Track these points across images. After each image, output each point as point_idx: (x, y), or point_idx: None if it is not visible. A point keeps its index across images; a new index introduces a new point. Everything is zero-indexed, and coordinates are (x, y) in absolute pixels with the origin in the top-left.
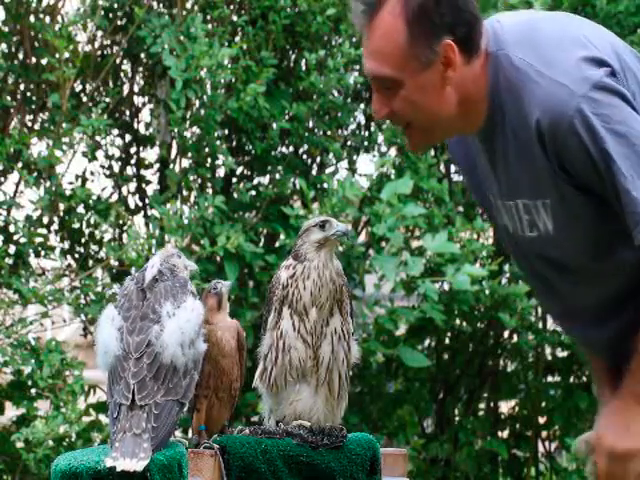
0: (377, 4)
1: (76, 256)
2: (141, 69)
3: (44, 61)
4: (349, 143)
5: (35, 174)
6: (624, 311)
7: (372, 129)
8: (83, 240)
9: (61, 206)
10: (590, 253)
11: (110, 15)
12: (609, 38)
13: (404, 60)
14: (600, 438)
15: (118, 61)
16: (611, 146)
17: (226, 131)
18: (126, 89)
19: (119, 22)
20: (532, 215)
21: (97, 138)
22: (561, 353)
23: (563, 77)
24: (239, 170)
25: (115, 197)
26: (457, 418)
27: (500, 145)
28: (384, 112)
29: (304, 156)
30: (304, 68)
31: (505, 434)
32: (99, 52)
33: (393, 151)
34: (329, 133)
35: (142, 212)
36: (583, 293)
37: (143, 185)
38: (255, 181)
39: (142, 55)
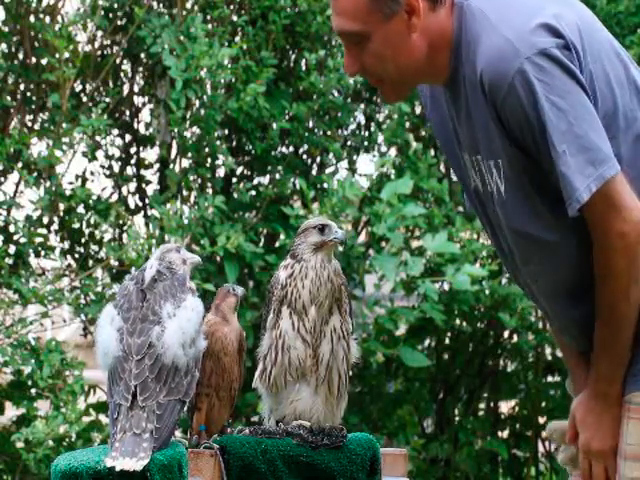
0: None
1: (76, 256)
2: (141, 69)
3: (44, 61)
4: (349, 143)
5: (35, 174)
6: (589, 293)
7: (372, 129)
8: (83, 240)
9: (61, 206)
10: (538, 222)
11: (110, 15)
12: (582, 19)
13: (368, 13)
14: (579, 437)
15: (118, 61)
16: (549, 117)
17: (226, 131)
18: (126, 89)
19: (119, 22)
20: (489, 174)
21: (97, 138)
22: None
23: (513, 34)
24: (239, 170)
25: (115, 197)
26: (457, 418)
27: (463, 97)
28: (355, 68)
29: (304, 156)
30: (304, 68)
31: (505, 434)
32: (99, 52)
33: (393, 151)
34: (329, 133)
35: (142, 212)
36: (544, 270)
37: (143, 185)
38: (255, 181)
39: (142, 55)
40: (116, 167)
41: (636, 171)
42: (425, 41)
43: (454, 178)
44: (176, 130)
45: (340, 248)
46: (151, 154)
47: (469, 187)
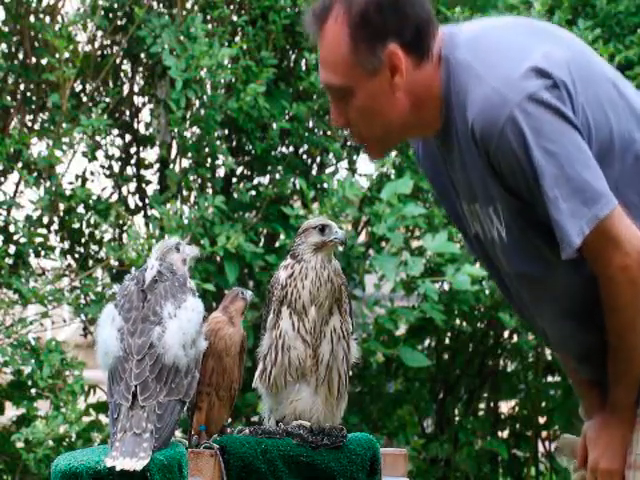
0: (324, 14)
1: (76, 256)
2: (141, 69)
3: (44, 61)
4: (349, 143)
5: (35, 174)
6: (593, 324)
7: None
8: (83, 240)
9: (61, 206)
10: (542, 263)
11: (110, 15)
12: (570, 49)
13: (350, 68)
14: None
15: (118, 61)
16: (540, 163)
17: (226, 131)
18: (126, 89)
19: (119, 22)
20: (489, 221)
21: (97, 138)
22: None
23: (500, 82)
24: (239, 170)
25: (115, 197)
26: (457, 418)
27: (456, 148)
28: (340, 121)
29: (304, 156)
30: (304, 68)
31: (505, 434)
32: (99, 52)
33: (393, 151)
34: (329, 133)
35: (142, 212)
36: (552, 308)
37: (143, 185)
38: (255, 181)
39: (142, 55)
40: (116, 167)
41: (636, 191)
42: (410, 98)
43: None
44: (176, 130)
45: (340, 248)
46: (151, 154)
47: (469, 234)
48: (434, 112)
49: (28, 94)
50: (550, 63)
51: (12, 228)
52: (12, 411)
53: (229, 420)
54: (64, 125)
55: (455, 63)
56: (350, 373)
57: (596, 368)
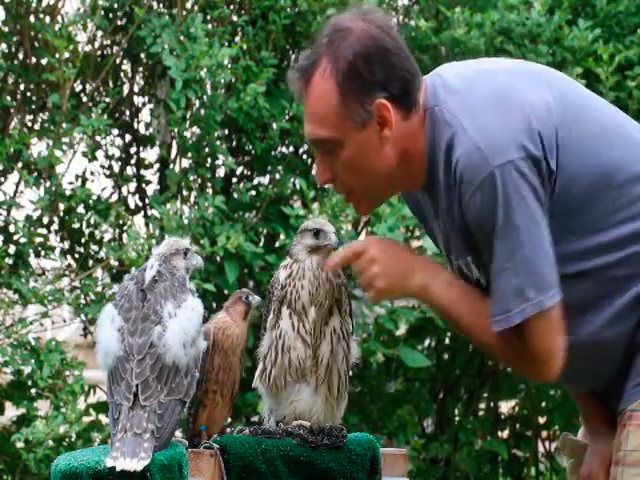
0: (310, 69)
1: (76, 256)
2: (141, 69)
3: (44, 61)
4: None
5: (35, 174)
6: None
7: None
8: (83, 240)
9: (61, 206)
10: None
11: (110, 15)
12: (557, 90)
13: (339, 121)
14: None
15: (118, 61)
16: (502, 230)
17: (226, 131)
18: (126, 89)
19: (119, 22)
20: (469, 269)
21: (97, 138)
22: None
23: (485, 144)
24: (239, 170)
25: (115, 197)
26: (457, 418)
27: (441, 201)
28: (326, 177)
29: (304, 156)
30: None
31: (505, 434)
32: (99, 52)
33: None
34: None
35: (142, 212)
36: None
37: (143, 185)
38: (255, 181)
39: (142, 55)
40: (116, 167)
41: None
42: (398, 151)
43: None
44: (176, 130)
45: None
46: (151, 154)
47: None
48: (420, 165)
49: (28, 94)
50: (533, 127)
51: (12, 228)
52: (12, 411)
53: (229, 420)
54: (64, 125)
55: (440, 116)
56: (350, 373)
57: (589, 384)
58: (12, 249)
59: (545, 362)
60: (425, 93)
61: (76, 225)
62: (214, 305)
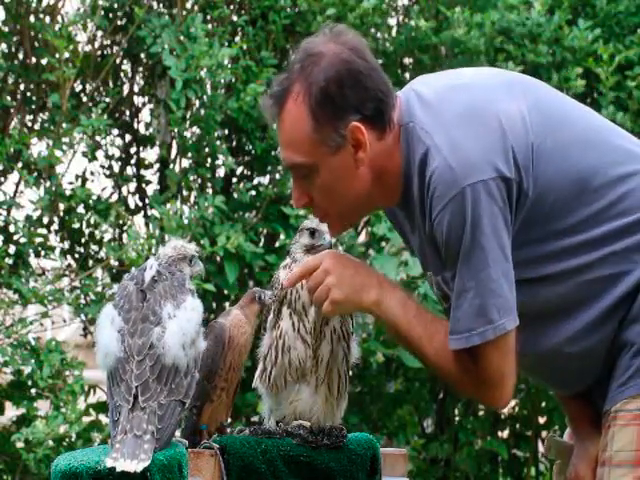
0: (283, 95)
1: (76, 256)
2: (141, 69)
3: (44, 61)
4: None
5: (35, 174)
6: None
7: None
8: (83, 240)
9: (61, 206)
10: None
11: (110, 15)
12: (532, 99)
13: (313, 146)
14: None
15: (118, 61)
16: (467, 249)
17: (226, 131)
18: (126, 89)
19: (119, 22)
20: (448, 287)
21: (97, 138)
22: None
23: (455, 160)
24: (239, 170)
25: (115, 197)
26: (457, 418)
27: (416, 216)
28: (303, 201)
29: None
30: None
31: (505, 434)
32: (99, 52)
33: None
34: None
35: (142, 212)
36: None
37: (143, 185)
38: (255, 181)
39: (142, 55)
40: (116, 167)
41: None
42: (373, 171)
43: None
44: (176, 130)
45: None
46: (151, 154)
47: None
48: (396, 181)
49: (28, 94)
50: (508, 138)
51: (12, 228)
52: (12, 411)
53: (229, 420)
54: (64, 125)
55: (414, 133)
56: (350, 373)
57: (572, 388)
58: (12, 249)
59: (497, 386)
60: (399, 109)
61: (76, 225)
62: (214, 305)
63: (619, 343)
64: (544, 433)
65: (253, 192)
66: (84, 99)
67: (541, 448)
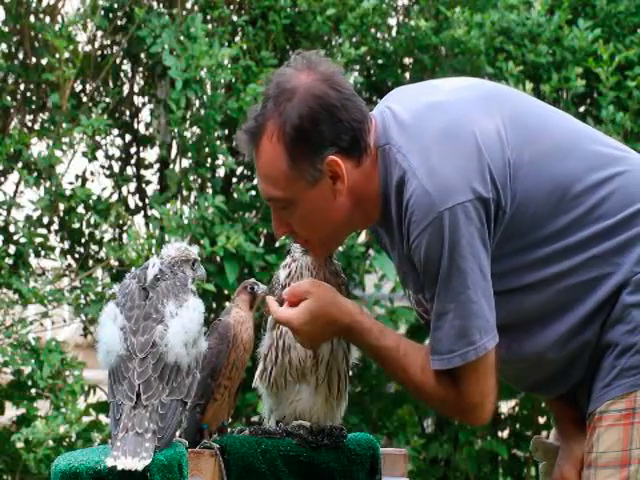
0: (258, 132)
1: (76, 256)
2: (141, 69)
3: (44, 61)
4: None
5: (35, 174)
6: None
7: None
8: (83, 240)
9: (61, 206)
10: None
11: (110, 15)
12: (508, 112)
13: (290, 182)
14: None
15: (118, 61)
16: (445, 273)
17: (226, 131)
18: (126, 89)
19: (119, 22)
20: (417, 305)
21: (97, 138)
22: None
23: (432, 184)
24: (239, 170)
25: (115, 197)
26: None
27: (395, 235)
28: (283, 230)
29: None
30: None
31: (505, 434)
32: (99, 52)
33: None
34: None
35: (142, 212)
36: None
37: (143, 185)
38: (255, 181)
39: (142, 55)
40: (116, 167)
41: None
42: (352, 197)
43: None
44: (176, 130)
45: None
46: (151, 154)
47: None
48: (375, 202)
49: (28, 94)
50: (486, 156)
51: (12, 228)
52: (12, 411)
53: (229, 420)
54: (64, 125)
55: (391, 155)
56: (350, 373)
57: (555, 391)
58: (12, 249)
59: (478, 406)
60: (375, 131)
61: (76, 225)
62: (214, 305)
63: (602, 344)
64: (544, 433)
65: (253, 192)
66: (84, 99)
67: None
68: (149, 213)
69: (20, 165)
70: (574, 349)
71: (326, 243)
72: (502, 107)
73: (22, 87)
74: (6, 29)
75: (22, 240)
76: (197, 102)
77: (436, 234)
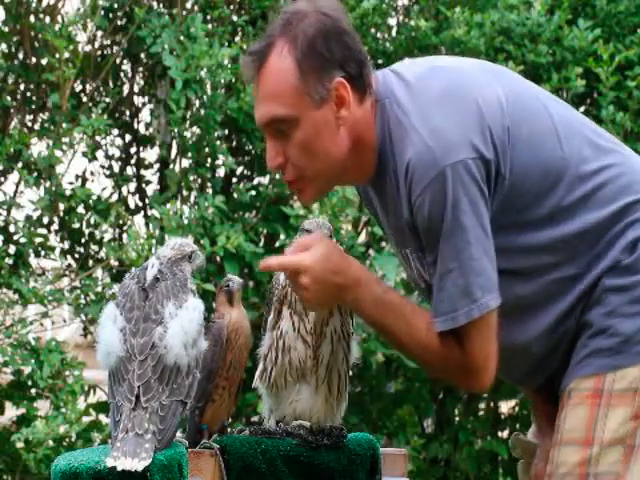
0: (266, 50)
1: (76, 256)
2: (141, 69)
3: (44, 61)
4: None
5: (35, 174)
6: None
7: None
8: (83, 240)
9: (61, 206)
10: None
11: (110, 15)
12: (508, 90)
13: (297, 97)
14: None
15: (118, 61)
16: (448, 230)
17: (226, 131)
18: (126, 89)
19: (119, 22)
20: (419, 264)
21: (97, 138)
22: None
23: (434, 141)
24: (239, 170)
25: (115, 197)
26: (457, 418)
27: (389, 193)
28: (278, 161)
29: None
30: None
31: (505, 434)
32: (99, 52)
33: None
34: None
35: (142, 212)
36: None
37: (143, 185)
38: (255, 181)
39: (142, 55)
40: (116, 167)
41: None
42: (351, 136)
43: None
44: (176, 130)
45: None
46: (151, 154)
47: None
48: (371, 155)
49: (28, 94)
50: (487, 121)
51: (12, 228)
52: (12, 411)
53: (229, 420)
54: (64, 125)
55: (390, 111)
56: (350, 373)
57: (532, 381)
58: (12, 249)
59: (482, 369)
60: (376, 84)
61: (76, 225)
62: (214, 305)
63: (580, 325)
64: None
65: (253, 192)
66: (84, 99)
67: None
68: (149, 213)
69: (20, 165)
70: (557, 338)
71: (318, 180)
72: (502, 82)
73: (22, 87)
74: (6, 29)
75: (22, 240)
76: (197, 102)
77: (439, 190)
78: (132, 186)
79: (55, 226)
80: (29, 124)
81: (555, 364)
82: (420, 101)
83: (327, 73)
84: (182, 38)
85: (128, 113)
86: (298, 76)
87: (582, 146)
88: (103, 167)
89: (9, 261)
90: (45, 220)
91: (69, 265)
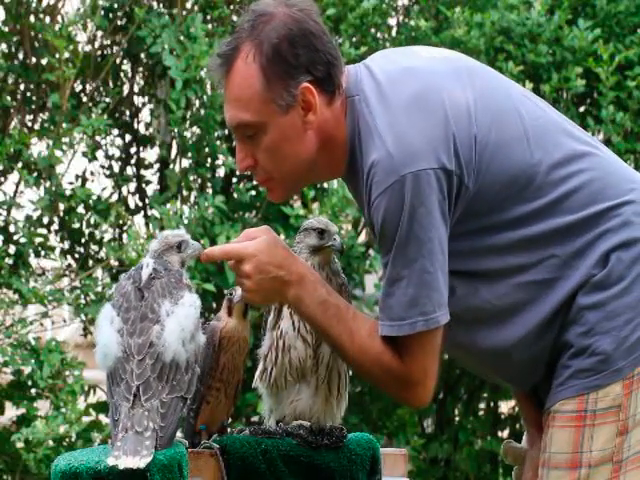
0: (233, 54)
1: (76, 256)
2: (141, 69)
3: (44, 61)
4: None
5: (35, 174)
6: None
7: None
8: (83, 240)
9: (61, 206)
10: None
11: (110, 15)
12: (479, 91)
13: (262, 105)
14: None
15: (118, 61)
16: (402, 239)
17: (226, 131)
18: (126, 89)
19: (119, 22)
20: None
21: (97, 138)
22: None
23: (397, 147)
24: None
25: (115, 197)
26: (457, 418)
27: (360, 186)
28: (247, 163)
29: None
30: None
31: (505, 434)
32: (99, 52)
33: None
34: None
35: (142, 212)
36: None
37: (143, 185)
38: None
39: (142, 55)
40: (116, 167)
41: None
42: (320, 137)
43: None
44: (176, 130)
45: (338, 255)
46: (151, 154)
47: None
48: (342, 152)
49: (28, 94)
50: (452, 127)
51: (12, 228)
52: (12, 411)
53: (229, 420)
54: (64, 125)
55: (359, 109)
56: (350, 373)
57: (519, 385)
58: (12, 249)
59: (419, 384)
60: (347, 81)
61: (76, 225)
62: (214, 305)
63: (559, 345)
64: None
65: (253, 192)
66: (84, 99)
67: None
68: (149, 213)
69: (20, 165)
70: (537, 351)
71: (288, 182)
72: (474, 83)
73: (22, 87)
74: (6, 29)
75: (22, 240)
76: (197, 102)
77: (396, 197)
78: (132, 186)
79: (55, 226)
80: (29, 124)
81: (537, 377)
82: (389, 105)
83: (293, 79)
84: (182, 38)
85: (128, 113)
86: (263, 84)
87: (554, 149)
88: (103, 167)
89: (9, 261)
90: (45, 220)
91: (69, 265)
